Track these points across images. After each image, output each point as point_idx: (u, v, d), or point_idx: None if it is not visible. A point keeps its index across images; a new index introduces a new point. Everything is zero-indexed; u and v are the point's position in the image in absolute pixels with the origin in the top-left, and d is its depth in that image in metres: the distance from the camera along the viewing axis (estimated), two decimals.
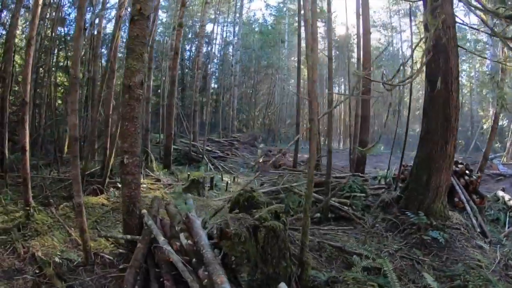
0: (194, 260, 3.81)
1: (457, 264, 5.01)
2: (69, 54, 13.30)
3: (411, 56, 6.73)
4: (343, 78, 31.83)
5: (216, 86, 26.84)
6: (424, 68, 5.97)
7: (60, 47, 13.55)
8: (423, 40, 5.90)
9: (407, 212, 6.09)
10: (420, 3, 7.42)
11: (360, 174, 10.22)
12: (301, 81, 36.06)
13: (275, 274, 3.75)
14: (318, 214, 7.50)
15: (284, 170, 11.10)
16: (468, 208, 6.89)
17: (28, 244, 4.95)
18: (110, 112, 8.23)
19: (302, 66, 34.04)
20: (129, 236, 4.66)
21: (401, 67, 6.58)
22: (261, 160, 15.10)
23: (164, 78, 15.85)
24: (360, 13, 11.42)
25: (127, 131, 4.59)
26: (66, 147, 11.95)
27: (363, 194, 8.30)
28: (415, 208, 6.13)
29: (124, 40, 9.14)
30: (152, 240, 4.45)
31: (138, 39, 4.52)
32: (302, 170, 9.20)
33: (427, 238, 5.53)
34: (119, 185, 8.74)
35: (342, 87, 34.14)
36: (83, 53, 12.11)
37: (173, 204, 5.23)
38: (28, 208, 5.56)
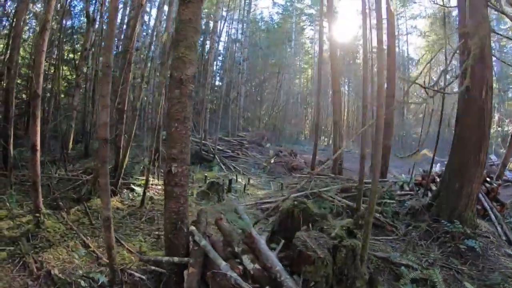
0: None
1: (494, 273, 4.87)
2: (76, 46, 12.47)
3: (449, 63, 6.81)
4: (347, 79, 31.14)
5: (220, 83, 26.00)
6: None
7: (65, 40, 12.67)
8: (458, 48, 5.98)
9: (440, 220, 5.95)
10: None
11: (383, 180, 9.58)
12: (304, 80, 35.70)
13: None
14: (340, 218, 6.98)
15: (308, 174, 10.40)
16: (492, 216, 6.68)
17: (40, 258, 4.19)
18: (125, 108, 7.42)
19: (305, 66, 33.73)
20: (176, 259, 3.84)
21: (442, 74, 6.54)
22: (272, 161, 14.34)
23: None
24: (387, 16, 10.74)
25: (178, 134, 3.79)
26: (71, 143, 11.15)
27: (393, 201, 7.76)
28: (446, 216, 5.99)
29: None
30: (204, 263, 3.73)
31: (191, 24, 3.74)
32: (328, 174, 8.54)
33: (463, 247, 5.36)
34: (133, 187, 8.02)
35: (346, 87, 33.47)
36: (91, 45, 11.29)
37: (226, 219, 4.40)
38: (38, 215, 4.78)
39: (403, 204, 7.61)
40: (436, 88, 5.84)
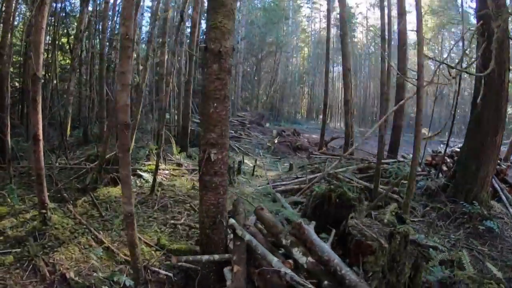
0: (326, 283, 2.78)
1: None
2: (69, 30, 11.60)
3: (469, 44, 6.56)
4: (341, 58, 30.26)
5: None
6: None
7: (56, 24, 11.77)
8: (476, 30, 5.85)
9: (456, 201, 5.95)
10: None
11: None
12: (301, 59, 34.78)
13: (397, 283, 3.11)
14: (366, 203, 6.65)
15: (322, 154, 9.98)
16: (503, 197, 6.60)
17: (52, 260, 3.73)
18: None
19: (302, 44, 32.76)
20: (217, 257, 3.37)
21: (463, 56, 6.33)
22: (276, 141, 13.89)
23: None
24: None
25: (217, 116, 3.26)
26: (68, 129, 10.52)
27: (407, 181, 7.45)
28: (462, 197, 5.99)
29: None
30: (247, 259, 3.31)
31: None
32: (342, 155, 8.10)
33: (481, 228, 5.31)
34: (140, 173, 7.50)
35: (339, 67, 32.64)
36: (85, 28, 10.45)
37: (267, 209, 3.91)
38: (44, 211, 4.28)
39: (416, 184, 7.45)
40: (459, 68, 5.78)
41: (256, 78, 25.98)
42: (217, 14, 3.19)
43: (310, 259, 2.95)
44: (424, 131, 12.26)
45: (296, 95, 31.11)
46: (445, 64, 5.29)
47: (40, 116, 3.99)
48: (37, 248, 3.87)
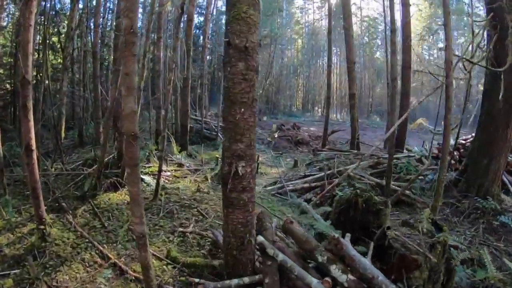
0: None
1: None
2: (59, 29, 10.97)
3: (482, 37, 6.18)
4: (339, 49, 29.81)
5: (210, 58, 24.51)
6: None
7: (45, 23, 11.14)
8: (487, 23, 5.73)
9: (469, 196, 5.90)
10: None
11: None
12: (295, 51, 34.24)
13: None
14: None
15: (329, 150, 9.61)
16: None
17: (55, 282, 3.35)
18: None
19: (296, 36, 32.19)
20: (247, 280, 2.97)
21: (477, 48, 6.12)
22: (276, 136, 13.50)
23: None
24: None
25: (244, 123, 2.78)
26: (63, 131, 10.00)
27: (420, 176, 7.19)
28: (474, 191, 5.95)
29: None
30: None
31: None
32: (350, 150, 7.78)
33: (495, 223, 5.22)
34: (141, 176, 7.11)
35: (339, 58, 32.14)
36: (77, 25, 9.85)
37: (296, 222, 3.50)
38: (42, 227, 3.88)
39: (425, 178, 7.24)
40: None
41: None
42: (240, 3, 2.76)
43: (350, 277, 2.64)
44: (421, 120, 12.02)
45: (292, 87, 30.66)
46: (465, 59, 4.99)
47: (32, 123, 3.55)
48: (37, 268, 3.49)
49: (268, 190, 7.06)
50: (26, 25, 3.29)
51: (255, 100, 2.86)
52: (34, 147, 3.62)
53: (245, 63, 2.71)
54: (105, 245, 4.27)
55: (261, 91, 24.90)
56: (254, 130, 2.88)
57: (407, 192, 6.50)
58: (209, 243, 4.56)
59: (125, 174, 6.61)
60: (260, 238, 3.13)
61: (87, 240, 4.30)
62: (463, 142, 8.31)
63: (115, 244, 4.35)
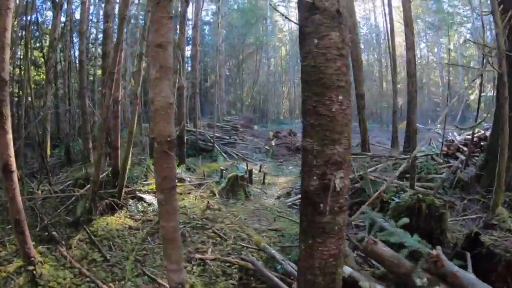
0: None
1: None
2: (44, 43, 9.98)
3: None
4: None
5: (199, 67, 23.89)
6: None
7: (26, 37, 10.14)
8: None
9: (492, 191, 5.21)
10: None
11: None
12: (279, 59, 33.89)
13: None
14: None
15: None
16: None
17: None
18: (120, 99, 5.48)
19: (279, 44, 31.89)
20: None
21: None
22: (273, 144, 12.79)
23: None
24: None
25: (343, 116, 1.85)
26: (48, 149, 8.94)
27: (441, 176, 6.72)
28: None
29: None
30: None
31: None
32: (365, 153, 7.17)
33: None
34: (140, 195, 6.19)
35: None
36: (60, 35, 8.91)
37: (380, 241, 2.69)
38: (31, 267, 2.96)
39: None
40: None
41: (238, 80, 24.77)
42: None
43: None
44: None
45: (279, 95, 30.14)
46: (486, 55, 4.49)
47: (10, 136, 2.65)
48: None
49: (283, 202, 6.29)
50: (4, 8, 2.44)
51: (350, 84, 1.95)
52: (14, 167, 2.72)
53: (340, 34, 1.83)
54: (111, 284, 3.38)
55: (249, 100, 24.30)
56: (351, 127, 1.94)
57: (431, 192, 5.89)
58: (235, 269, 3.75)
59: (122, 195, 5.75)
60: (348, 270, 2.33)
61: (88, 279, 3.40)
62: (469, 137, 7.94)
63: (123, 282, 3.48)
